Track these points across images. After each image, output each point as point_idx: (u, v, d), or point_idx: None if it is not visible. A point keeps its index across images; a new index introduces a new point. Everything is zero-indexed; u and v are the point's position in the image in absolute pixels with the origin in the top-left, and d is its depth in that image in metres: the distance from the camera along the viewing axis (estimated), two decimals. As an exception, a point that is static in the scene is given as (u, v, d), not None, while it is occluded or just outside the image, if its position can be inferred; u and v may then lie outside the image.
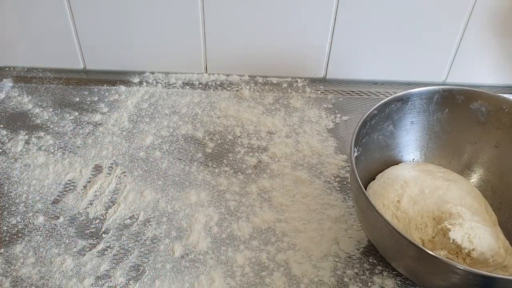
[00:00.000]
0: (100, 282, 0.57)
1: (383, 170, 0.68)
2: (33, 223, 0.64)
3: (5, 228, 0.64)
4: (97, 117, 0.82)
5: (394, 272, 0.59)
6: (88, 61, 0.92)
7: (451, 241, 0.55)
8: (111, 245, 0.62)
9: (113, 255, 0.61)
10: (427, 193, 0.62)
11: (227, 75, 0.92)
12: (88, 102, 0.85)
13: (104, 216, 0.66)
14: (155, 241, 0.63)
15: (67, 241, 0.62)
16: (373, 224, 0.55)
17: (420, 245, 0.47)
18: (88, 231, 0.64)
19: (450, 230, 0.56)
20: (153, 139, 0.78)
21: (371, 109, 0.62)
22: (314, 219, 0.66)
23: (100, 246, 0.62)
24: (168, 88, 0.89)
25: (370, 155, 0.65)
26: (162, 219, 0.65)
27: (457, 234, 0.55)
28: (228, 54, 0.90)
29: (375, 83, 0.92)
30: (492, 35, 0.84)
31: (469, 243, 0.55)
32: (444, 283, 0.49)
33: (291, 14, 0.83)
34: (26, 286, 0.57)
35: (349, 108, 0.85)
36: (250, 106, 0.85)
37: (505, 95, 0.67)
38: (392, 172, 0.67)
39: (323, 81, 0.92)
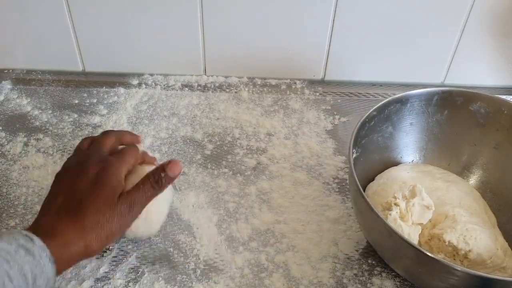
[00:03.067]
0: (99, 285, 0.57)
1: (382, 171, 0.68)
2: (32, 225, 0.64)
3: (4, 230, 0.63)
4: (96, 119, 0.82)
5: (393, 273, 0.59)
6: (87, 63, 0.92)
7: (446, 243, 0.55)
8: (110, 247, 0.62)
9: (112, 257, 0.60)
10: (425, 194, 0.62)
11: (226, 77, 0.92)
12: (87, 104, 0.85)
13: (103, 218, 0.66)
14: (154, 242, 0.63)
15: (66, 243, 0.62)
16: (371, 225, 0.55)
17: (418, 247, 0.47)
18: (87, 233, 0.64)
19: (443, 234, 0.56)
20: (152, 140, 0.78)
21: (370, 111, 0.62)
22: (313, 220, 0.66)
23: (99, 248, 0.62)
24: (167, 90, 0.89)
25: (369, 157, 0.65)
26: (161, 221, 0.65)
27: (451, 236, 0.55)
28: (227, 56, 0.90)
29: (373, 84, 0.92)
30: (490, 36, 0.84)
31: (465, 244, 0.55)
32: (442, 285, 0.49)
33: (290, 16, 0.83)
34: (25, 288, 0.57)
35: (347, 110, 0.85)
36: (249, 108, 0.85)
37: (504, 97, 0.67)
38: (391, 173, 0.67)
39: (322, 82, 0.92)
